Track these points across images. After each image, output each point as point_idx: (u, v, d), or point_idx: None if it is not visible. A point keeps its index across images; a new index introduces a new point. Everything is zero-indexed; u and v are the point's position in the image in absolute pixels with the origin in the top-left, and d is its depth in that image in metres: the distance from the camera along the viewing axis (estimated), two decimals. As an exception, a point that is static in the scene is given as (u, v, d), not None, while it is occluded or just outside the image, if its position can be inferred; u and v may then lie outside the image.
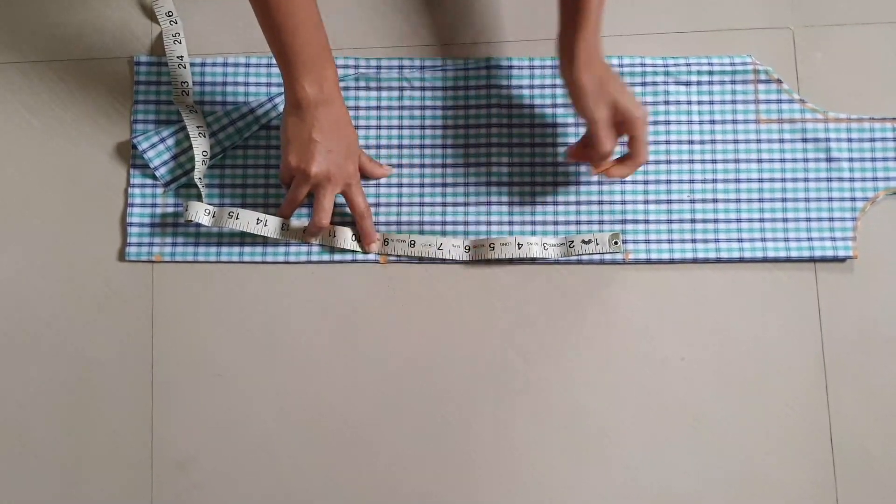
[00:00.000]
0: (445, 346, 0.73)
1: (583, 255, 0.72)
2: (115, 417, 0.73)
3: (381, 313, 0.73)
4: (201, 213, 0.71)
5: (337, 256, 0.73)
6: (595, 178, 0.73)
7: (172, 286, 0.74)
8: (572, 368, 0.72)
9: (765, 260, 0.72)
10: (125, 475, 0.72)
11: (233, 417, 0.72)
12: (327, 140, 0.66)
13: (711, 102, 0.75)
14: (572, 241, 0.72)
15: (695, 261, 0.73)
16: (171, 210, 0.74)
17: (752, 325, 0.72)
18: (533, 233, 0.73)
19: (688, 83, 0.75)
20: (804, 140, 0.74)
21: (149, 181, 0.74)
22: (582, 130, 0.74)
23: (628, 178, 0.73)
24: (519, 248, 0.71)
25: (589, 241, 0.71)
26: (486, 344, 0.73)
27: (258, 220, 0.71)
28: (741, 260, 0.72)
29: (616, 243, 0.71)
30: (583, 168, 0.74)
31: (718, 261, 0.73)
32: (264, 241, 0.74)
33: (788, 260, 0.73)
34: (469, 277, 0.73)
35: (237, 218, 0.71)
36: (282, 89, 0.75)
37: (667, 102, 0.74)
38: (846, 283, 0.73)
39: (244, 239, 0.74)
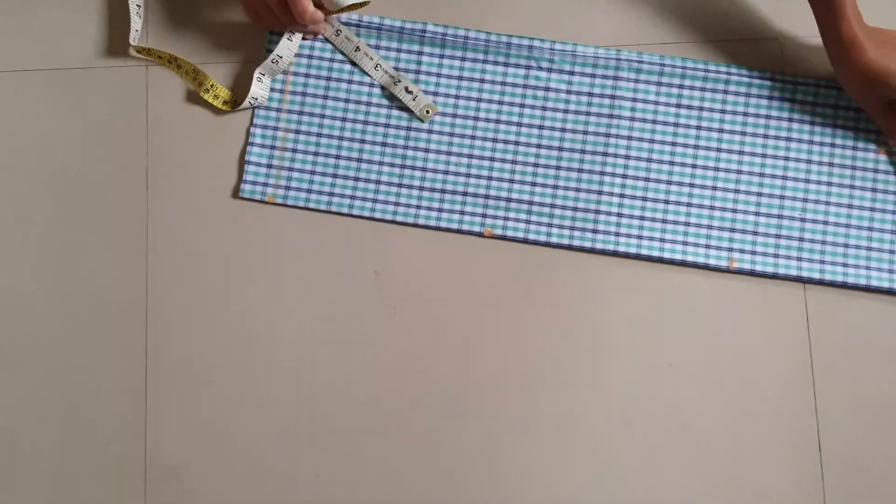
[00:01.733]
0: (437, 352, 0.73)
1: (400, 97, 0.75)
2: (108, 424, 0.73)
3: (374, 321, 0.73)
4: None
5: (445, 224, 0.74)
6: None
7: (166, 293, 0.74)
8: (560, 374, 0.72)
9: (843, 285, 0.72)
10: (118, 481, 0.72)
11: (226, 424, 0.73)
12: None
13: (834, 125, 0.74)
14: (399, 79, 0.75)
15: (799, 278, 0.73)
16: (288, 155, 0.76)
17: (740, 333, 0.73)
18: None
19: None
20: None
21: (271, 123, 0.76)
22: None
23: (742, 188, 0.74)
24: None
25: (411, 92, 0.74)
26: (474, 351, 0.73)
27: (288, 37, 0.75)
28: (845, 284, 0.73)
29: (427, 112, 0.74)
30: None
31: (822, 282, 0.73)
32: (374, 199, 0.75)
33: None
34: (459, 283, 0.74)
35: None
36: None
37: (790, 119, 0.74)
38: (834, 290, 0.73)
39: (355, 193, 0.75)
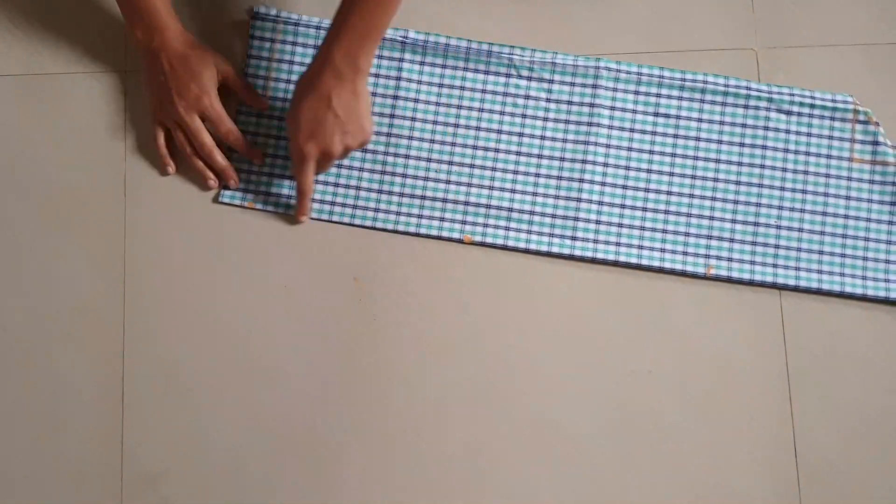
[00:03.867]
0: (415, 358, 0.73)
1: None
2: (85, 431, 0.72)
3: (354, 328, 0.74)
4: None
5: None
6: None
7: (144, 299, 0.74)
8: (540, 381, 0.73)
9: (818, 291, 0.73)
10: (95, 489, 0.71)
11: (203, 432, 0.72)
12: (170, 78, 0.71)
13: (809, 134, 0.76)
14: None
15: (774, 285, 0.74)
16: (268, 160, 0.75)
17: (718, 339, 0.74)
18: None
19: (789, 112, 0.76)
20: (894, 184, 0.75)
21: (250, 129, 0.76)
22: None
23: (718, 196, 0.75)
24: None
25: None
26: (454, 358, 0.73)
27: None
28: (819, 291, 0.73)
29: None
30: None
31: (797, 288, 0.74)
32: (354, 205, 0.75)
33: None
34: (438, 291, 0.74)
35: None
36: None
37: (766, 128, 0.76)
38: (809, 297, 0.74)
39: (335, 199, 0.75)
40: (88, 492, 0.72)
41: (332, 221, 0.75)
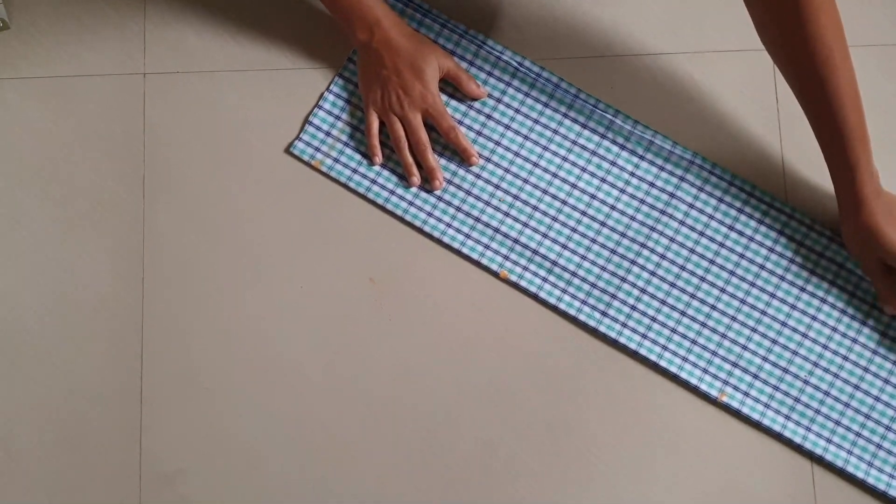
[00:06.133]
0: (430, 360, 0.73)
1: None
2: (104, 430, 0.73)
3: (368, 328, 0.74)
4: None
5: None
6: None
7: (162, 299, 0.75)
8: (555, 380, 0.73)
9: (820, 460, 0.71)
10: (113, 488, 0.72)
11: (221, 431, 0.73)
12: (393, 74, 0.73)
13: (833, 283, 0.73)
14: None
15: (780, 437, 0.72)
16: (349, 130, 0.76)
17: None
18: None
19: (820, 255, 0.74)
20: None
21: (345, 94, 0.77)
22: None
23: (760, 328, 0.73)
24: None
25: None
26: (471, 360, 0.73)
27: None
28: (822, 460, 0.71)
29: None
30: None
31: (801, 448, 0.72)
32: (410, 201, 0.75)
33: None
34: (454, 292, 0.74)
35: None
36: None
37: (792, 260, 0.73)
38: None
39: (396, 190, 0.76)
40: (107, 490, 0.73)
41: (384, 209, 0.75)
